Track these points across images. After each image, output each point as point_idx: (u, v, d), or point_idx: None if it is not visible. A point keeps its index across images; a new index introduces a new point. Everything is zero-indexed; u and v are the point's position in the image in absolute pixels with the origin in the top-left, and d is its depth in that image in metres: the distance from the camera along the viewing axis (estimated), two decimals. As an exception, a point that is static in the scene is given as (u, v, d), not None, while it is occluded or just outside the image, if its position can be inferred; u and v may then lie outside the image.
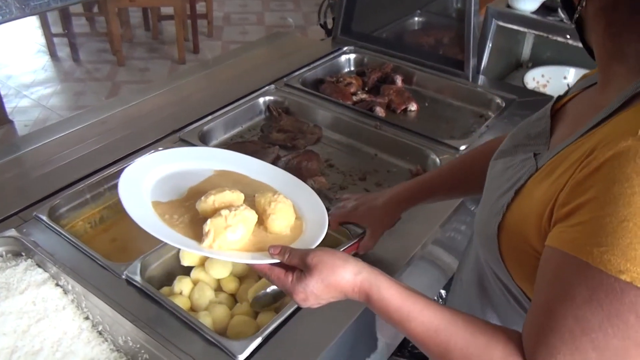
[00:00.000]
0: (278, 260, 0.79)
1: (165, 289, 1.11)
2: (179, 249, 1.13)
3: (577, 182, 0.62)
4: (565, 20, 1.74)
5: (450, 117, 1.78)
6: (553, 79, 2.04)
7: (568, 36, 1.71)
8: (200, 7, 4.68)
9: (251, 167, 1.04)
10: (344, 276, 0.74)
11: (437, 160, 1.45)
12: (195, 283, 1.12)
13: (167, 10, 4.48)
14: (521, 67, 2.26)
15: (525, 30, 1.82)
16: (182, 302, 1.05)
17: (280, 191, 0.93)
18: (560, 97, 0.88)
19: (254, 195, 0.91)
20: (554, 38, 1.76)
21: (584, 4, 0.70)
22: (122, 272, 1.06)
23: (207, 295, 1.09)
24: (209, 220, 0.82)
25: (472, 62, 1.81)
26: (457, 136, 1.64)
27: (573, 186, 0.62)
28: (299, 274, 0.76)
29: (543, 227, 0.67)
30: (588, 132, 0.67)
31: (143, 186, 0.92)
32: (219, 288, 1.14)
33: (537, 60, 2.23)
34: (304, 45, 2.11)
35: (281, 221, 0.87)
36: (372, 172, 1.50)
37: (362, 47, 2.03)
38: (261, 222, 0.87)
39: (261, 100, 1.69)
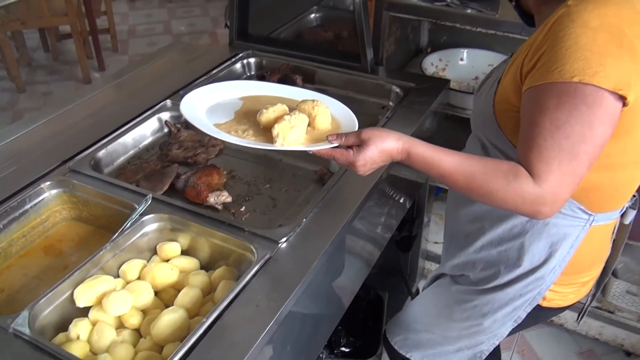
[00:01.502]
0: (337, 144, 1.04)
1: (60, 336, 1.04)
2: (72, 292, 1.07)
3: (538, 42, 0.93)
4: (451, 4, 1.76)
5: (354, 112, 1.76)
6: (451, 62, 2.08)
7: (456, 22, 1.74)
8: (103, 22, 4.49)
9: (271, 89, 1.28)
10: (390, 142, 1.00)
11: (340, 158, 1.43)
12: (94, 324, 1.05)
13: (66, 28, 4.26)
14: (421, 52, 2.29)
15: (415, 18, 1.84)
16: (79, 348, 0.99)
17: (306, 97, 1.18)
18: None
19: (295, 106, 1.15)
20: (443, 23, 1.78)
21: None
22: (8, 326, 0.98)
23: (107, 335, 1.03)
24: (276, 125, 1.05)
25: (369, 54, 1.81)
26: (361, 130, 1.63)
27: (535, 46, 0.93)
28: (357, 148, 1.02)
29: (518, 86, 0.99)
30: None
31: (200, 117, 1.15)
32: (121, 325, 1.08)
33: (435, 45, 2.26)
34: (201, 53, 2.04)
35: (324, 119, 1.12)
36: (277, 178, 1.47)
37: (261, 50, 1.99)
38: (309, 123, 1.11)
39: (156, 117, 1.63)
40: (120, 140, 1.53)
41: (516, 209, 0.95)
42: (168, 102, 1.68)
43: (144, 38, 4.84)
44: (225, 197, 1.35)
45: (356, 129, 1.12)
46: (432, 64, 2.05)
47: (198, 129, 1.09)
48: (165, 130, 1.65)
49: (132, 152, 1.57)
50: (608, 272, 1.32)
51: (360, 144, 1.02)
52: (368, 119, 1.73)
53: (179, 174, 1.42)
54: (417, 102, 1.68)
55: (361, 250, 1.54)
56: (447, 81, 1.80)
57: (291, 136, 1.06)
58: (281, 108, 1.12)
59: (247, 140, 1.09)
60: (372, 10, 1.86)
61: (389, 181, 1.52)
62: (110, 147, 1.50)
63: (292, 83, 1.83)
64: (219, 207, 1.34)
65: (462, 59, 2.09)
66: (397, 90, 1.75)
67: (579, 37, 0.88)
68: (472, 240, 1.24)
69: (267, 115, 1.11)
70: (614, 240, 1.25)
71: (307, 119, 1.10)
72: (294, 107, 1.16)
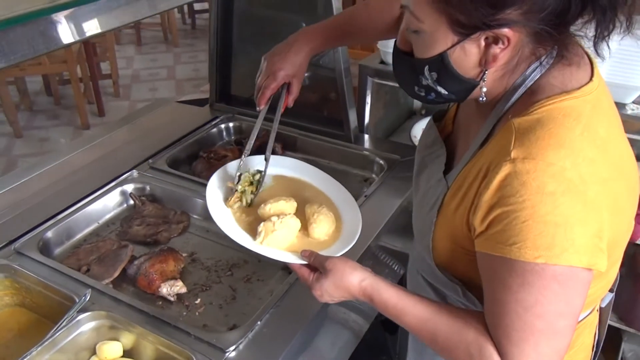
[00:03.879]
0: (306, 262, 0.98)
1: None
2: None
3: (485, 202, 0.76)
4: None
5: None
6: (443, 128, 1.97)
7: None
8: (108, 67, 4.50)
9: (309, 173, 1.25)
10: (351, 281, 0.90)
11: (308, 245, 1.31)
12: None
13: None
14: (415, 115, 2.19)
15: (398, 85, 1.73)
16: None
17: (330, 196, 1.19)
18: (443, 111, 1.05)
19: (306, 204, 1.13)
20: (430, 93, 1.67)
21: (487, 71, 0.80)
22: None
23: None
24: (262, 223, 1.05)
25: (352, 122, 1.71)
26: (339, 207, 1.51)
27: (483, 206, 0.76)
28: (318, 274, 0.94)
29: (466, 233, 0.84)
30: (478, 150, 0.83)
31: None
32: None
33: (430, 107, 2.16)
34: (180, 114, 1.96)
35: (320, 230, 1.08)
36: (242, 263, 1.34)
37: (242, 113, 1.90)
38: (305, 228, 1.08)
39: (119, 190, 1.52)
40: (78, 214, 1.43)
41: None
42: (135, 172, 1.58)
43: (147, 83, 4.82)
44: (180, 287, 1.23)
45: (348, 247, 1.05)
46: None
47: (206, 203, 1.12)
48: (130, 202, 1.54)
49: (92, 227, 1.46)
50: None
51: (322, 272, 0.94)
52: (350, 191, 1.61)
53: (134, 257, 1.31)
54: (400, 177, 1.56)
55: (335, 337, 1.40)
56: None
57: (272, 239, 1.04)
58: (281, 207, 1.10)
59: (233, 230, 1.07)
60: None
61: (375, 251, 1.39)
62: (64, 223, 1.39)
63: (272, 152, 1.73)
64: (172, 299, 1.22)
65: (455, 125, 1.97)
66: (381, 162, 1.64)
67: (537, 207, 0.72)
68: None
69: (263, 210, 1.09)
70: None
71: (296, 225, 1.07)
72: (308, 198, 1.16)
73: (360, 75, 1.74)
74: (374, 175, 1.66)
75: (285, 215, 1.07)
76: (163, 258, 1.27)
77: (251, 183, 1.16)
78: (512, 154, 0.73)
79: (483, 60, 0.78)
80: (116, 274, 1.27)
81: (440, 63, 0.79)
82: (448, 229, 0.89)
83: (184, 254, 1.35)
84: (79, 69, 4.09)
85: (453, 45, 0.77)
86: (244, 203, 1.14)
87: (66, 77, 4.37)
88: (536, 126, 0.74)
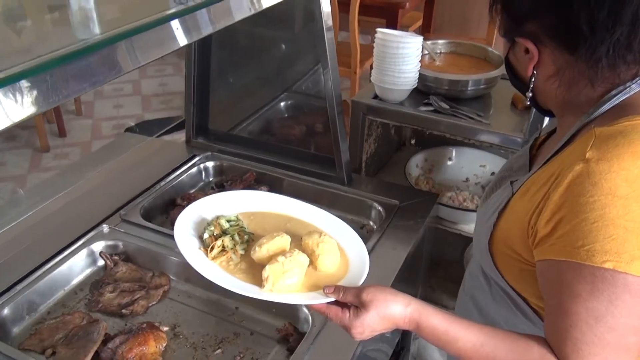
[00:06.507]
0: (334, 299, 0.86)
1: None
2: None
3: (553, 202, 0.76)
4: (439, 109, 1.54)
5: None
6: (437, 162, 1.85)
7: (445, 132, 1.51)
8: (66, 83, 4.24)
9: (277, 203, 1.11)
10: (396, 309, 0.83)
11: (310, 317, 1.16)
12: None
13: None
14: (404, 146, 2.06)
15: (396, 124, 1.61)
16: None
17: (313, 222, 1.06)
18: (536, 138, 1.04)
19: (300, 237, 0.99)
20: (428, 132, 1.55)
21: (534, 78, 0.87)
22: None
23: None
24: (267, 267, 0.91)
25: (345, 161, 1.56)
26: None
27: (550, 206, 0.76)
28: (355, 310, 0.84)
29: (524, 237, 0.83)
30: (551, 159, 0.84)
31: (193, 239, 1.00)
32: None
33: (420, 138, 2.03)
34: (153, 152, 1.78)
35: (328, 260, 0.95)
36: (232, 337, 1.18)
37: (222, 150, 1.74)
38: (310, 262, 0.95)
39: (87, 249, 1.34)
40: (40, 283, 1.24)
41: None
42: (105, 227, 1.40)
43: (111, 99, 4.57)
44: (163, 374, 1.07)
45: (365, 271, 0.94)
46: (417, 165, 1.82)
47: (184, 259, 0.94)
48: (101, 262, 1.37)
49: (57, 295, 1.28)
50: None
51: (359, 305, 0.84)
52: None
53: (108, 336, 1.14)
54: (401, 225, 1.43)
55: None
56: (435, 196, 1.56)
57: (283, 283, 0.90)
58: (278, 244, 0.96)
59: (232, 282, 0.92)
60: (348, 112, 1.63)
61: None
62: (24, 296, 1.20)
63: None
64: (154, 389, 1.06)
65: (450, 159, 1.86)
66: (379, 208, 1.50)
67: (607, 209, 0.72)
68: None
69: (260, 253, 0.95)
70: None
71: (305, 262, 0.93)
72: (299, 233, 1.01)
73: (354, 112, 1.60)
74: (371, 223, 1.52)
75: (291, 251, 0.94)
76: (142, 339, 1.10)
77: (233, 236, 0.99)
78: (587, 155, 0.74)
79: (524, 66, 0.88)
80: None
81: (507, 61, 0.93)
82: (503, 234, 0.89)
83: (165, 328, 1.19)
84: (37, 86, 3.85)
85: (508, 49, 0.90)
86: (236, 259, 0.98)
87: (23, 94, 4.10)
88: (618, 135, 0.75)
